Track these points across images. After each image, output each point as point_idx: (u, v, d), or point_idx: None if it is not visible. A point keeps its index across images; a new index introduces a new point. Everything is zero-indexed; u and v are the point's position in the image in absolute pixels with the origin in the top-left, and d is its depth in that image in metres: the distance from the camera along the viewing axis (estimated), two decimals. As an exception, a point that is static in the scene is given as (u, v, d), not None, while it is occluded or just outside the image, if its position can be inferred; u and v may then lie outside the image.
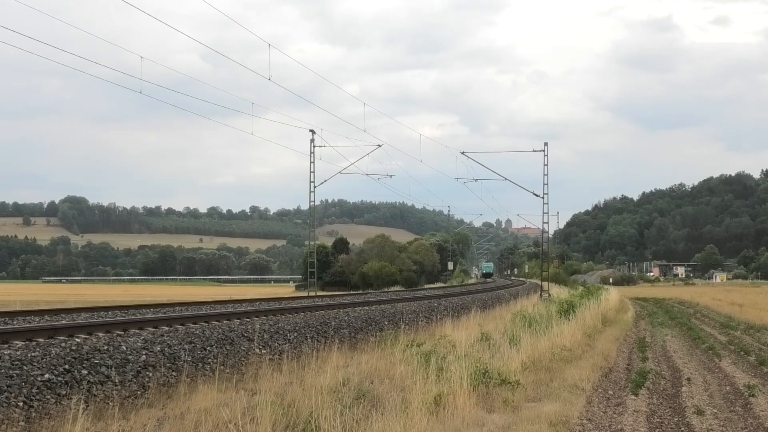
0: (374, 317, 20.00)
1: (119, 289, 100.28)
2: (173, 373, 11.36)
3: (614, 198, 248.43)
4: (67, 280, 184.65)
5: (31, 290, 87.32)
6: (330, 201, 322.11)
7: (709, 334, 24.78)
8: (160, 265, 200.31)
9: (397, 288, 68.35)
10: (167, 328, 13.12)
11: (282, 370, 12.63)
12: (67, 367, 9.80)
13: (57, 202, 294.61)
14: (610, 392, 12.33)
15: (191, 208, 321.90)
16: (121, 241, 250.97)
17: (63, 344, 10.39)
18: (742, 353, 18.63)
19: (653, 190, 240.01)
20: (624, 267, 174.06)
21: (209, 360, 12.46)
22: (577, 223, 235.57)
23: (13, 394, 8.83)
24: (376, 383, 11.20)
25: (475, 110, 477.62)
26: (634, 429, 9.52)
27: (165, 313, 18.33)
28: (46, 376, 9.40)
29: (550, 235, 77.06)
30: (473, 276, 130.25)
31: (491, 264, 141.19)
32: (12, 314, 17.54)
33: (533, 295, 43.76)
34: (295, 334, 15.57)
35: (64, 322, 14.16)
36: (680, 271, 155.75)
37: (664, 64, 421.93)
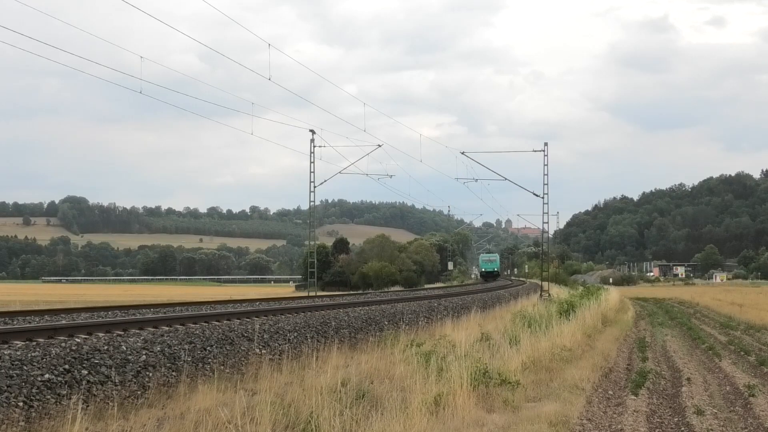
0: (374, 317, 19.99)
1: (119, 289, 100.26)
2: (173, 373, 11.36)
3: (614, 198, 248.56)
4: (67, 280, 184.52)
5: (31, 290, 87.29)
6: (330, 201, 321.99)
7: (709, 334, 24.78)
8: (160, 265, 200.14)
9: (397, 288, 68.32)
10: (167, 328, 13.12)
11: (282, 370, 12.63)
12: (67, 367, 9.80)
13: (57, 202, 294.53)
14: (610, 392, 12.33)
15: (191, 208, 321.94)
16: (121, 241, 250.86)
17: (63, 344, 10.40)
18: (742, 353, 18.63)
19: (653, 190, 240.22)
20: (624, 267, 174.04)
21: (209, 360, 12.46)
22: (577, 223, 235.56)
23: (13, 394, 8.83)
24: (376, 383, 11.20)
25: (473, 110, 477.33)
26: (634, 429, 9.52)
27: (165, 313, 18.33)
28: (46, 376, 9.40)
29: (550, 235, 77.07)
30: (473, 276, 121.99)
31: (496, 257, 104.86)
32: (12, 314, 17.54)
33: (533, 295, 43.74)
34: (295, 334, 15.57)
35: (64, 322, 14.16)
36: (680, 271, 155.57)
37: (661, 64, 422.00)
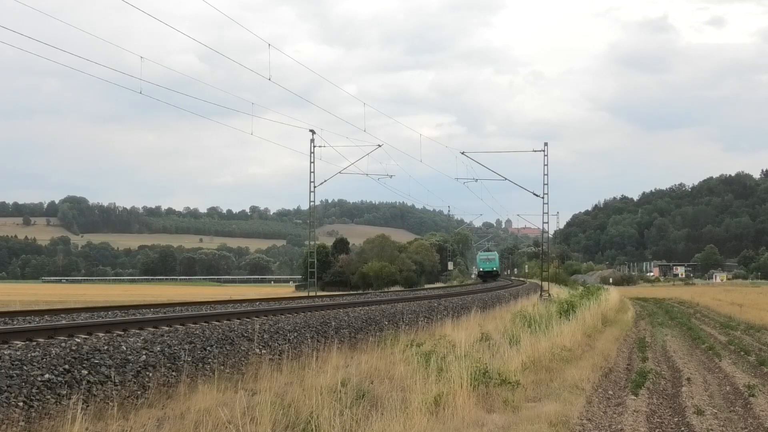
0: (374, 317, 19.99)
1: (119, 289, 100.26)
2: (173, 373, 11.36)
3: (614, 198, 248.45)
4: (67, 280, 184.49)
5: (31, 290, 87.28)
6: (330, 201, 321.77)
7: (709, 334, 24.78)
8: (160, 265, 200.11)
9: (397, 288, 68.29)
10: (167, 328, 13.12)
11: (282, 370, 12.63)
12: (67, 367, 9.80)
13: (57, 202, 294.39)
14: (610, 392, 12.33)
15: (191, 208, 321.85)
16: (121, 241, 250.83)
17: (63, 344, 10.40)
18: (742, 353, 18.63)
19: (653, 190, 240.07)
20: (624, 267, 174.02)
21: (209, 360, 12.46)
22: (577, 223, 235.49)
23: (13, 394, 8.83)
24: (376, 383, 11.20)
25: (473, 110, 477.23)
26: (634, 429, 9.52)
27: (165, 313, 18.32)
28: (46, 376, 9.40)
29: (550, 235, 77.08)
30: (473, 276, 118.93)
31: (495, 255, 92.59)
32: (12, 314, 17.53)
33: (533, 295, 43.74)
34: (295, 334, 15.58)
35: (64, 322, 14.16)
36: (680, 271, 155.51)
37: (661, 64, 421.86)
